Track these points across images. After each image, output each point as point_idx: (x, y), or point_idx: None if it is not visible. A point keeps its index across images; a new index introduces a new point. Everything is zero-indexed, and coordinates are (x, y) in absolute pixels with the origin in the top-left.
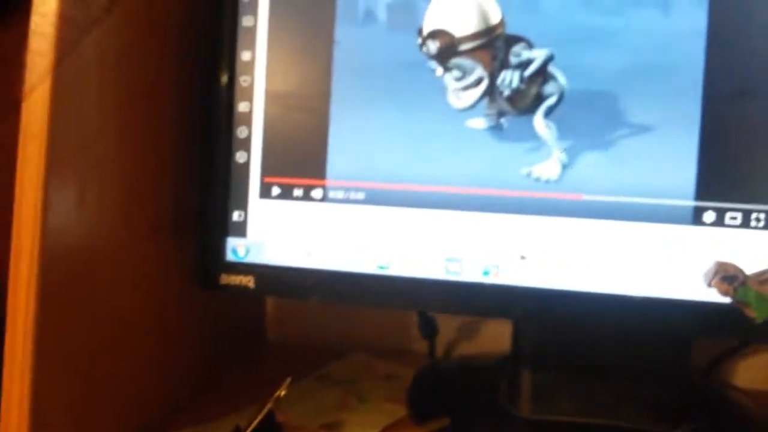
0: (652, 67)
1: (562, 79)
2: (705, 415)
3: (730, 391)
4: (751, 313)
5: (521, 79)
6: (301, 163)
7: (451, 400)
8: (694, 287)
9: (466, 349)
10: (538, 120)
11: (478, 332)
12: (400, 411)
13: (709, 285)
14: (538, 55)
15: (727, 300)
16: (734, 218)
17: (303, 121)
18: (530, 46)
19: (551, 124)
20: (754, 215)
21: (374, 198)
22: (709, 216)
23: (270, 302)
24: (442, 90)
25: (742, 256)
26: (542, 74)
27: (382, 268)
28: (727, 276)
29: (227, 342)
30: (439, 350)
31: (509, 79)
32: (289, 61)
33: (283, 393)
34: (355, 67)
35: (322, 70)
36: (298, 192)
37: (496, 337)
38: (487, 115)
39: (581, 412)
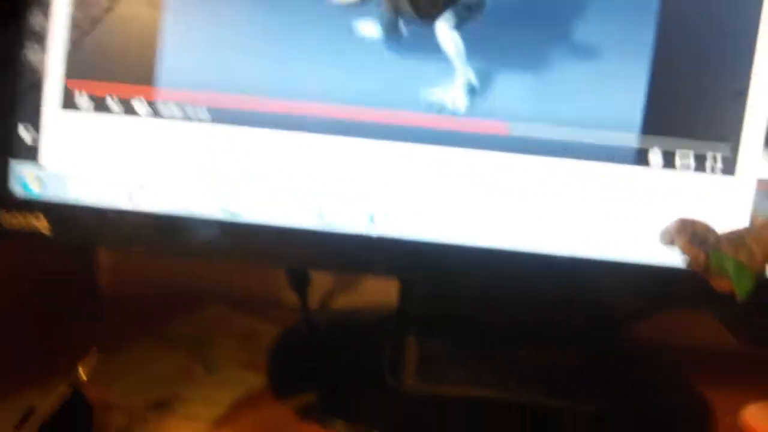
0: None
1: None
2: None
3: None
4: (723, 285)
5: None
6: (121, 63)
7: (321, 367)
8: (633, 245)
9: (346, 300)
10: (443, 29)
11: (360, 281)
12: (257, 380)
13: (669, 244)
14: None
15: (671, 262)
16: (686, 159)
17: (125, 4)
18: None
19: (458, 36)
20: (710, 155)
21: (222, 116)
22: (656, 155)
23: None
24: None
25: (694, 205)
26: None
27: (231, 213)
28: (700, 240)
29: (44, 297)
30: (314, 301)
31: None
32: None
33: (84, 369)
34: None
35: None
36: (115, 104)
37: (382, 286)
38: (380, 17)
39: (475, 385)
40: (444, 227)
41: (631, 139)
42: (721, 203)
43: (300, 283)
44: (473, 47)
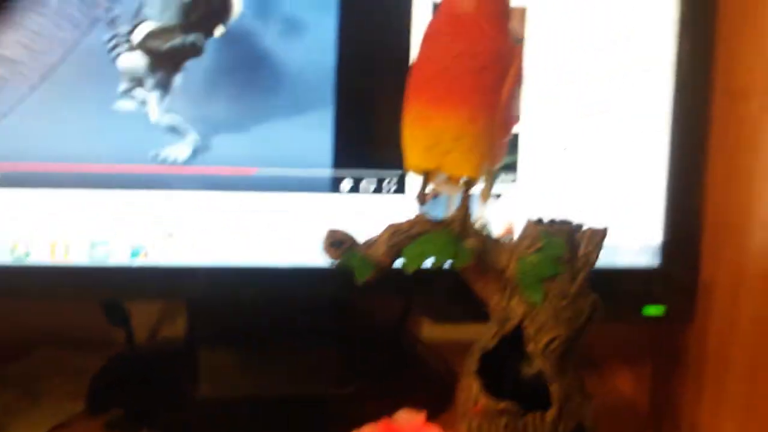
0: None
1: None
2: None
3: (416, 346)
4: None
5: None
6: None
7: (131, 388)
8: None
9: (171, 330)
10: (153, 108)
11: (181, 311)
12: (79, 407)
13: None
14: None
15: None
16: (370, 184)
17: None
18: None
19: (173, 110)
20: (386, 180)
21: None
22: (347, 184)
23: None
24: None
25: (377, 219)
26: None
27: (19, 258)
28: (335, 242)
29: None
30: (142, 334)
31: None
32: None
33: None
34: None
35: None
36: None
37: None
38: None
39: (260, 387)
40: (197, 252)
41: (326, 173)
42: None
43: (118, 318)
44: (191, 116)
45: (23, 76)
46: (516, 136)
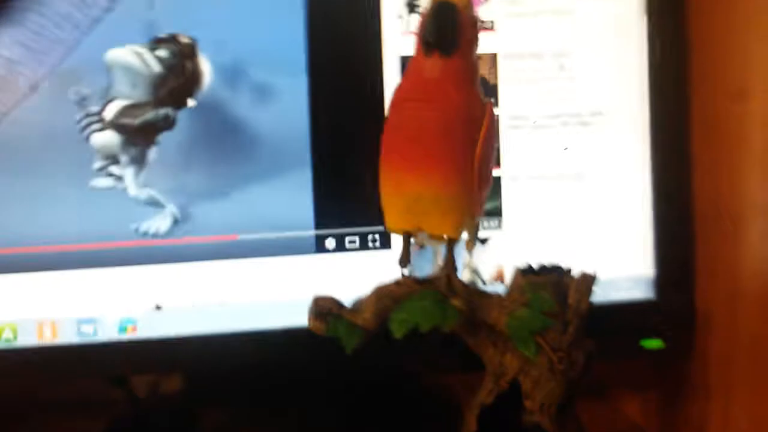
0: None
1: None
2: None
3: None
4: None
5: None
6: None
7: None
8: None
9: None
10: (130, 183)
11: None
12: None
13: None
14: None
15: None
16: (353, 242)
17: None
18: None
19: (150, 184)
20: (370, 236)
21: None
22: (330, 242)
23: None
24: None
25: (364, 276)
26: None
27: (7, 340)
28: (319, 312)
29: None
30: (141, 390)
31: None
32: None
33: None
34: None
35: None
36: None
37: None
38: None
39: None
40: (186, 322)
41: (309, 233)
42: (382, 270)
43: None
44: (168, 188)
45: (23, 76)
46: (498, 180)
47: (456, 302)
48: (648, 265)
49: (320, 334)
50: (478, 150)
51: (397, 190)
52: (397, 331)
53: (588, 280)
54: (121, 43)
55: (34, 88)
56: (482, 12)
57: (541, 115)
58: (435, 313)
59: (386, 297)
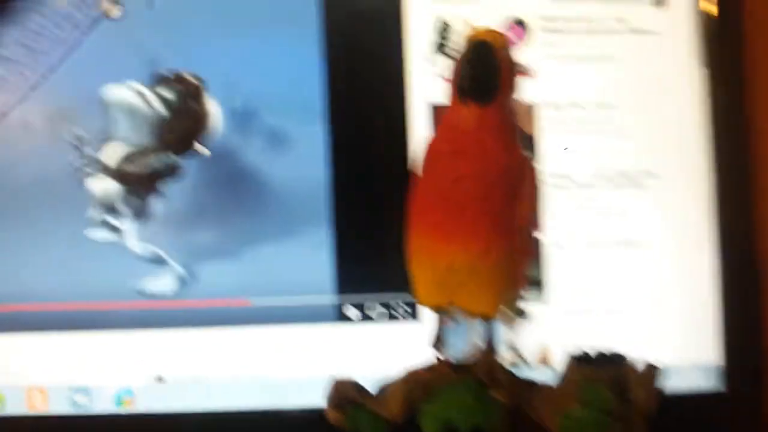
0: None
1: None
2: None
3: None
4: None
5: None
6: None
7: None
8: None
9: None
10: (131, 239)
11: None
12: None
13: None
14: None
15: None
16: (377, 310)
17: None
18: None
19: (153, 239)
20: (397, 305)
21: None
22: (352, 311)
23: None
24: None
25: (389, 351)
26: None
27: None
28: (339, 402)
29: None
30: None
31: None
32: None
33: None
34: None
35: None
36: None
37: None
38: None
39: None
40: (188, 397)
41: (328, 300)
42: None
43: None
44: (173, 244)
45: (23, 76)
46: (541, 247)
47: (499, 395)
48: (714, 351)
49: (339, 426)
50: (520, 213)
51: (427, 259)
52: (430, 427)
53: (652, 374)
54: (120, 79)
55: (33, 88)
56: (520, 55)
57: (586, 173)
58: (475, 408)
59: (416, 385)
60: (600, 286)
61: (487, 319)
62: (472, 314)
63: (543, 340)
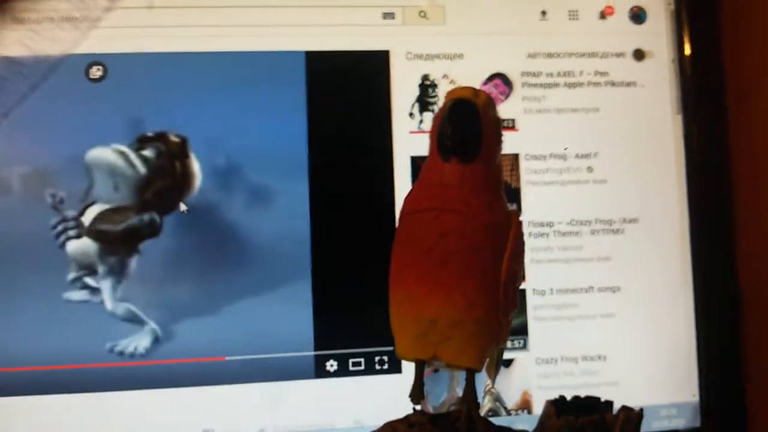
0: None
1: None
2: None
3: None
4: None
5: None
6: None
7: None
8: None
9: None
10: (108, 299)
11: None
12: None
13: None
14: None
15: None
16: (358, 364)
17: None
18: None
19: (129, 298)
20: (377, 358)
21: None
22: (332, 365)
23: None
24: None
25: (370, 405)
26: None
27: None
28: None
29: None
30: None
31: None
32: None
33: None
34: None
35: None
36: None
37: None
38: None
39: None
40: None
41: (308, 355)
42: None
43: None
44: (150, 302)
45: (23, 76)
46: (522, 294)
47: None
48: (693, 390)
49: None
50: (504, 265)
51: (409, 312)
52: None
53: (634, 419)
54: (103, 142)
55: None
56: (503, 109)
57: (567, 221)
58: None
59: None
60: (580, 331)
61: (472, 372)
62: (458, 368)
63: (523, 385)
